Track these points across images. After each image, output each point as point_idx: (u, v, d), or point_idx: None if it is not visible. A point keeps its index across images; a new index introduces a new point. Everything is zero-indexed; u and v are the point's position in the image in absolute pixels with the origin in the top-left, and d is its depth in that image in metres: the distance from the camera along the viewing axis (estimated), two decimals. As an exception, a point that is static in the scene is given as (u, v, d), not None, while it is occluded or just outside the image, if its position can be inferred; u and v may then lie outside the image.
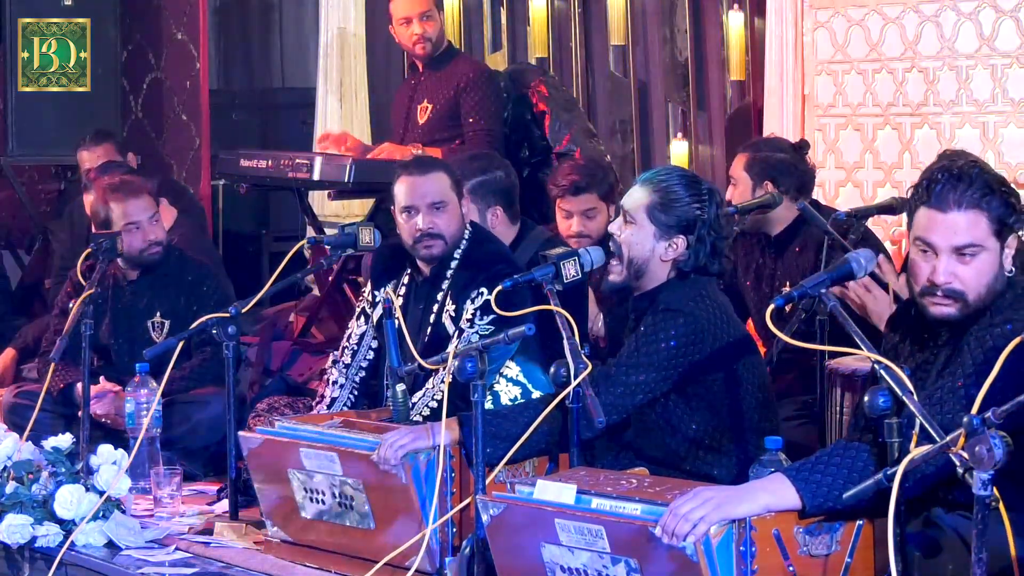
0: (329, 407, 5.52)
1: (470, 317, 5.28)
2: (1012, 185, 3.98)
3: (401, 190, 5.44)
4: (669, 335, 4.61)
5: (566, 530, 3.98)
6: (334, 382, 5.57)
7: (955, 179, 3.88)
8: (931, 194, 3.89)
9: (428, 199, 5.38)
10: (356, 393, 5.54)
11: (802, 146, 6.11)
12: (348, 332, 5.62)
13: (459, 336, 5.27)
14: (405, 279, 5.53)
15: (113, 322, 6.55)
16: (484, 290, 5.21)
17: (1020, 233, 4.08)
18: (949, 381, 3.87)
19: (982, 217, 3.87)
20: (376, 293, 5.57)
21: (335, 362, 5.60)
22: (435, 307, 5.40)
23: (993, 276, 3.91)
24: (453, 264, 5.42)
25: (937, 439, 3.54)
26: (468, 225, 5.51)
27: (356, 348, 5.57)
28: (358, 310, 5.65)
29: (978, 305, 3.91)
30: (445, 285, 5.41)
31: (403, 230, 5.43)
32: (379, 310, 5.49)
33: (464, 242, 5.45)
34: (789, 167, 5.93)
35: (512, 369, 5.32)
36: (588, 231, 6.25)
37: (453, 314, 5.35)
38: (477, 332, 5.23)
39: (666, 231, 4.71)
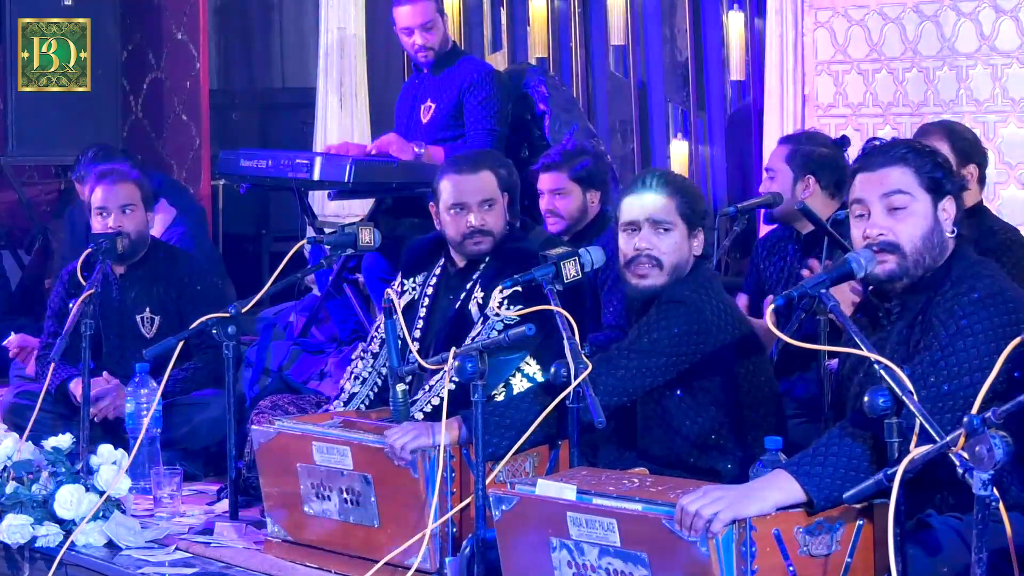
0: (347, 403, 5.51)
1: (497, 305, 5.29)
2: (945, 156, 4.20)
3: (450, 187, 5.46)
4: (671, 323, 4.63)
5: (578, 523, 3.99)
6: (356, 376, 5.56)
7: (882, 144, 4.17)
8: (861, 162, 4.12)
9: (479, 196, 5.42)
10: (378, 388, 5.53)
11: (843, 142, 6.05)
12: (376, 323, 5.64)
13: (483, 323, 5.30)
14: (437, 271, 5.57)
15: (103, 317, 6.53)
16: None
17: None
18: (927, 355, 3.94)
19: (908, 170, 4.06)
20: (405, 283, 5.60)
21: (364, 351, 5.61)
22: (463, 295, 5.43)
23: (928, 229, 4.04)
24: (486, 258, 5.46)
25: (937, 439, 3.55)
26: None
27: (384, 337, 5.57)
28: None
29: (917, 259, 4.02)
30: (476, 275, 5.45)
31: (450, 226, 5.45)
32: (407, 299, 5.53)
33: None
34: (831, 162, 5.83)
35: (531, 366, 5.33)
36: (558, 209, 6.44)
37: (481, 302, 5.38)
38: (502, 321, 5.24)
39: (692, 226, 4.76)
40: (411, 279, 5.61)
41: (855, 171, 4.12)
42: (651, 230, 4.73)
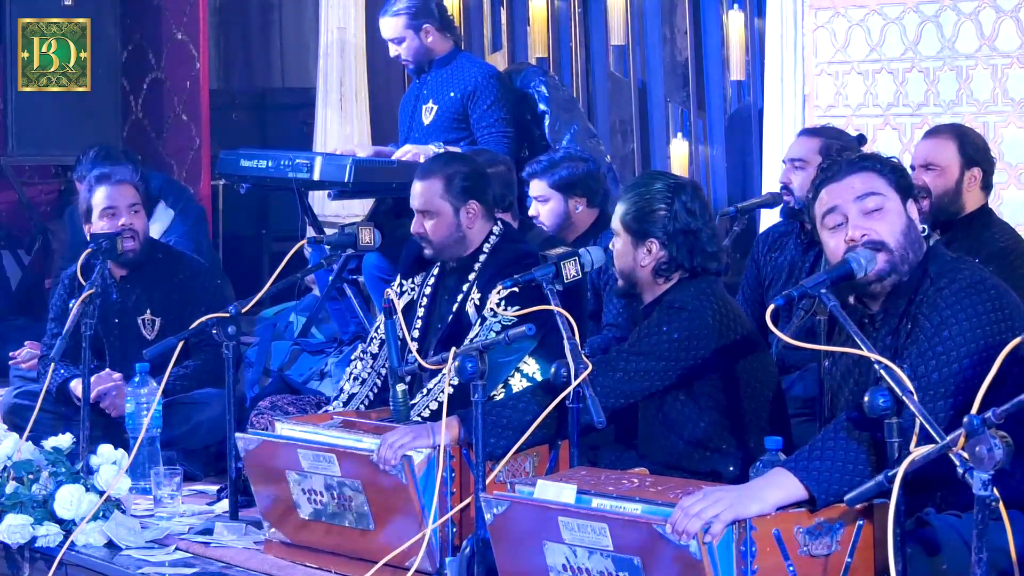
0: (346, 404, 5.51)
1: (493, 307, 5.29)
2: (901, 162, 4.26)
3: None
4: (672, 327, 4.64)
5: (570, 528, 3.98)
6: (355, 377, 5.56)
7: (840, 160, 4.22)
8: (823, 176, 4.15)
9: (416, 204, 5.48)
10: (377, 389, 5.53)
11: (861, 140, 6.05)
12: (376, 323, 5.64)
13: (481, 324, 5.30)
14: (435, 271, 5.59)
15: (104, 319, 6.52)
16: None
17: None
18: (915, 348, 3.98)
19: (873, 174, 4.10)
20: (404, 283, 5.60)
21: (363, 352, 5.61)
22: (460, 297, 5.44)
23: (905, 225, 4.08)
24: (481, 258, 5.48)
25: (937, 439, 3.55)
26: (498, 224, 5.54)
27: (383, 338, 5.58)
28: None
29: (903, 254, 4.05)
30: (472, 276, 5.46)
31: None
32: (405, 299, 5.53)
33: (493, 238, 5.50)
34: None
35: (530, 366, 5.34)
36: (539, 215, 6.46)
37: (478, 303, 5.38)
38: (500, 322, 5.24)
39: (639, 238, 4.76)
40: (410, 280, 5.62)
41: (819, 185, 4.15)
42: (615, 236, 4.85)
